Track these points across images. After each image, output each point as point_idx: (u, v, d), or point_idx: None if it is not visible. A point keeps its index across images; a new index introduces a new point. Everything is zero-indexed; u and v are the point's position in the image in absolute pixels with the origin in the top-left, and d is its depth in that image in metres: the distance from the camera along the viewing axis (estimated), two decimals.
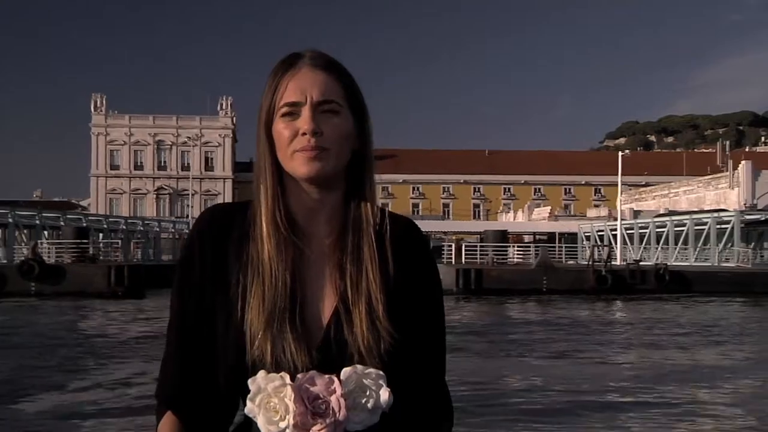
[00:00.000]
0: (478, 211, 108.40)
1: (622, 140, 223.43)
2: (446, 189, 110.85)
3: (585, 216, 68.54)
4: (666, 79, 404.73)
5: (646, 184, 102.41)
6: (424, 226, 72.62)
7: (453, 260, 43.64)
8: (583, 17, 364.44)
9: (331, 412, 1.28)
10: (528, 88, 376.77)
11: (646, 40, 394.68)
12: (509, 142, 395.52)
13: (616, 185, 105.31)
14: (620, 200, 51.42)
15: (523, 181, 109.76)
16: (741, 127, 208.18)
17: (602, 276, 37.56)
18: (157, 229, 63.00)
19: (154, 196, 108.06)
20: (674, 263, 41.67)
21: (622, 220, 60.28)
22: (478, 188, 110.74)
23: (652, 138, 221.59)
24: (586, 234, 54.74)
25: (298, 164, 1.39)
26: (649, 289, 37.46)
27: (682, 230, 46.80)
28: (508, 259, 44.54)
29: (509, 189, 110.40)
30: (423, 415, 1.45)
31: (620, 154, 51.64)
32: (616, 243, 50.37)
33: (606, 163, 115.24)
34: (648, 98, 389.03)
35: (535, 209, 74.39)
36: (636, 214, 62.66)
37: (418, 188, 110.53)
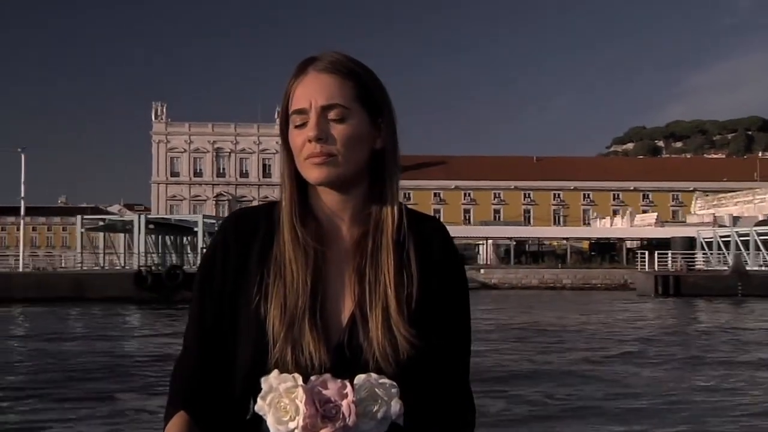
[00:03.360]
0: (529, 217, 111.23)
1: (630, 145, 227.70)
2: (497, 195, 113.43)
3: (686, 222, 71.56)
4: (658, 84, 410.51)
5: (694, 189, 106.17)
6: (501, 232, 75.59)
7: (646, 266, 46.43)
8: (578, 19, 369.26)
9: (341, 416, 1.29)
10: (526, 93, 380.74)
11: (638, 45, 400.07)
12: (507, 147, 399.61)
13: (664, 191, 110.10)
14: None
15: (572, 187, 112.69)
16: (750, 132, 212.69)
17: None
18: None
19: (214, 202, 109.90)
20: None
21: (721, 226, 63.55)
22: (529, 194, 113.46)
23: (660, 143, 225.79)
24: (707, 240, 57.66)
25: (308, 171, 1.42)
26: None
27: None
28: (696, 265, 47.44)
29: (559, 195, 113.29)
30: (442, 420, 1.46)
31: None
32: (746, 248, 53.27)
33: (652, 169, 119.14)
34: (642, 102, 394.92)
35: (637, 216, 77.33)
36: (735, 220, 65.76)
37: (469, 194, 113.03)
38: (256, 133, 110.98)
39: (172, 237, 49.57)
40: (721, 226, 63.81)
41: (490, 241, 71.33)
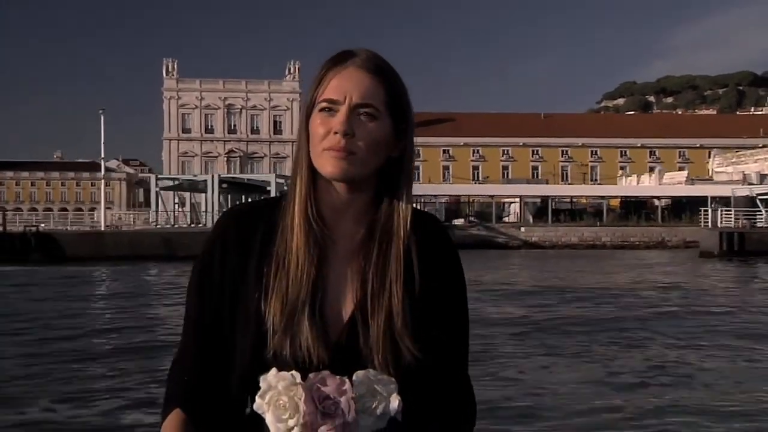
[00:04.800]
0: (537, 173, 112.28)
1: (620, 101, 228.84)
2: (506, 152, 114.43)
3: (712, 180, 72.93)
4: (643, 40, 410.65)
5: (700, 146, 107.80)
6: (536, 190, 76.42)
7: (709, 223, 47.65)
8: None
9: (340, 413, 1.29)
10: (512, 49, 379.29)
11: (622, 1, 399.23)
12: (496, 103, 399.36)
13: (671, 147, 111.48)
14: None
15: (580, 144, 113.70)
16: (741, 88, 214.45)
17: None
18: None
19: (225, 159, 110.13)
20: None
21: (750, 184, 65.02)
22: (537, 151, 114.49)
23: (651, 98, 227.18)
24: (740, 198, 58.88)
25: (324, 162, 1.40)
26: None
27: None
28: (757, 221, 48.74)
29: (567, 152, 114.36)
30: (441, 417, 1.46)
31: None
32: None
33: (659, 125, 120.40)
34: (629, 58, 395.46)
35: (666, 174, 78.53)
36: (762, 178, 67.27)
37: (478, 151, 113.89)
38: (267, 90, 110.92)
39: (244, 197, 50.25)
40: (750, 184, 65.25)
41: (523, 200, 72.12)
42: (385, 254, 1.43)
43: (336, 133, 1.39)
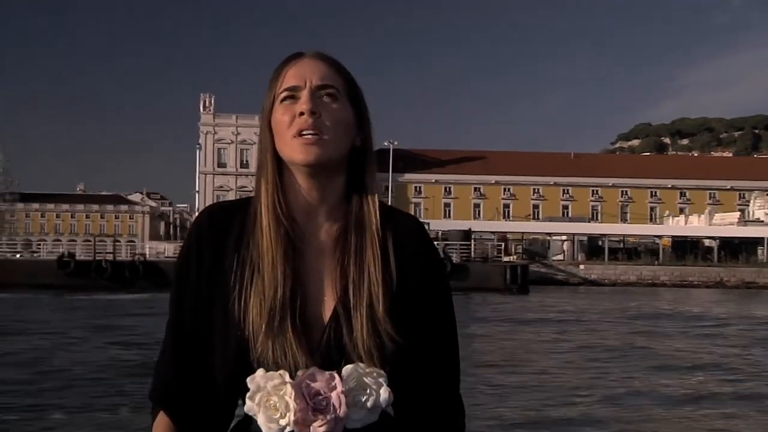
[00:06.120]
0: (567, 212, 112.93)
1: (635, 142, 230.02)
2: (536, 190, 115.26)
3: (761, 221, 73.60)
4: (649, 80, 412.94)
5: (731, 188, 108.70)
6: (590, 228, 76.94)
7: None
8: (570, 14, 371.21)
9: (331, 408, 1.28)
10: (522, 88, 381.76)
11: (632, 43, 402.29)
12: (515, 142, 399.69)
13: (700, 189, 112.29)
14: None
15: (611, 184, 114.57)
16: (756, 131, 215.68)
17: None
18: None
19: None
20: None
21: None
22: (567, 190, 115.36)
23: (667, 140, 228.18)
24: None
25: (295, 150, 1.38)
26: None
27: None
28: None
29: (597, 191, 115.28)
30: (434, 413, 1.47)
31: None
32: None
33: (685, 166, 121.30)
34: (638, 100, 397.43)
35: (716, 214, 79.43)
36: None
37: (509, 189, 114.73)
38: None
39: None
40: None
41: (576, 237, 72.81)
42: (361, 244, 1.43)
43: (302, 114, 1.39)
